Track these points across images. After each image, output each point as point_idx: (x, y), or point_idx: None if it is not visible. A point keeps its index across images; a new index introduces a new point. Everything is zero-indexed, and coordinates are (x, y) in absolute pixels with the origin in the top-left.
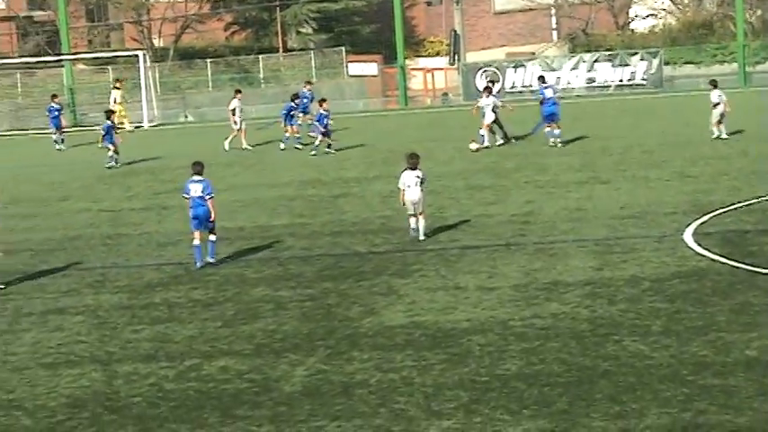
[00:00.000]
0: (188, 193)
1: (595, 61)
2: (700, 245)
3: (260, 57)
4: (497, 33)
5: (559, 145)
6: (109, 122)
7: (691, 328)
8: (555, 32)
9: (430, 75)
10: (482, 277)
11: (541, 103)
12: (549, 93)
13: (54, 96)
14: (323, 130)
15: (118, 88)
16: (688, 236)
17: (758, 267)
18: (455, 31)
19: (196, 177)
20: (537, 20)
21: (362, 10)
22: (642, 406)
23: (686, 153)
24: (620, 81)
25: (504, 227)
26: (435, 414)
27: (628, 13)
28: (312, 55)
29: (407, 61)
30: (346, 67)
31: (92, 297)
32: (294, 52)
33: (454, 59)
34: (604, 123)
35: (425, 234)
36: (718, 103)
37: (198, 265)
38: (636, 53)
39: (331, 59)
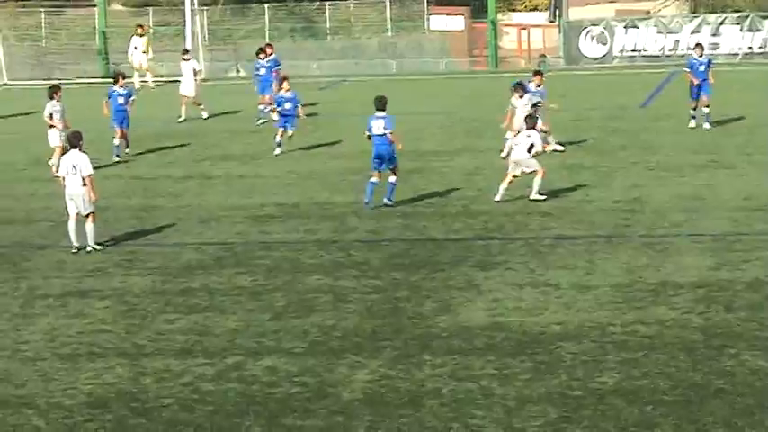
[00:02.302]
0: (370, 131)
1: (721, 24)
2: None
3: (326, 4)
4: None
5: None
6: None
7: None
8: None
9: (525, 32)
10: (578, 274)
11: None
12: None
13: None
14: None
15: (141, 35)
16: None
17: None
18: None
19: (379, 114)
20: None
21: None
22: None
23: None
24: (750, 48)
25: (605, 215)
26: None
27: None
28: (387, 4)
29: (499, 15)
30: (427, 19)
31: (119, 279)
32: (366, 1)
33: (555, 16)
34: (729, 98)
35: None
36: None
37: (367, 201)
38: None
39: (409, 10)
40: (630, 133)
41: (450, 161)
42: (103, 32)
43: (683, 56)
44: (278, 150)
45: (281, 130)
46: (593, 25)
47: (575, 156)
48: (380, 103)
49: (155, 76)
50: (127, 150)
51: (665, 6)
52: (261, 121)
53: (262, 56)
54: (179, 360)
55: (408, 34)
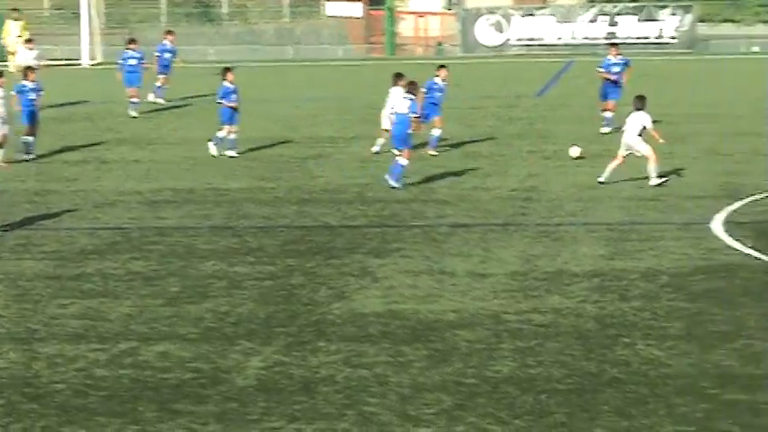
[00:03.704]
0: (393, 108)
1: (618, 14)
2: (730, 236)
3: None
4: None
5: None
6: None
7: (715, 334)
8: None
9: (423, 20)
10: (473, 261)
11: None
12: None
13: None
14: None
15: (16, 20)
16: (717, 224)
17: None
18: None
19: (408, 95)
20: None
21: None
22: (654, 422)
23: (718, 127)
24: (646, 38)
25: (501, 204)
26: (412, 419)
27: None
28: None
29: (397, 2)
30: (325, 5)
31: (13, 263)
32: None
33: (452, 3)
34: (625, 88)
35: None
36: None
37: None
38: (665, 6)
39: None
40: (527, 122)
41: (347, 148)
42: None
43: (579, 45)
44: (221, 151)
45: (228, 126)
46: (491, 13)
47: (471, 144)
48: (410, 86)
49: (49, 60)
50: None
51: None
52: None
53: (132, 46)
54: (72, 345)
55: (306, 20)
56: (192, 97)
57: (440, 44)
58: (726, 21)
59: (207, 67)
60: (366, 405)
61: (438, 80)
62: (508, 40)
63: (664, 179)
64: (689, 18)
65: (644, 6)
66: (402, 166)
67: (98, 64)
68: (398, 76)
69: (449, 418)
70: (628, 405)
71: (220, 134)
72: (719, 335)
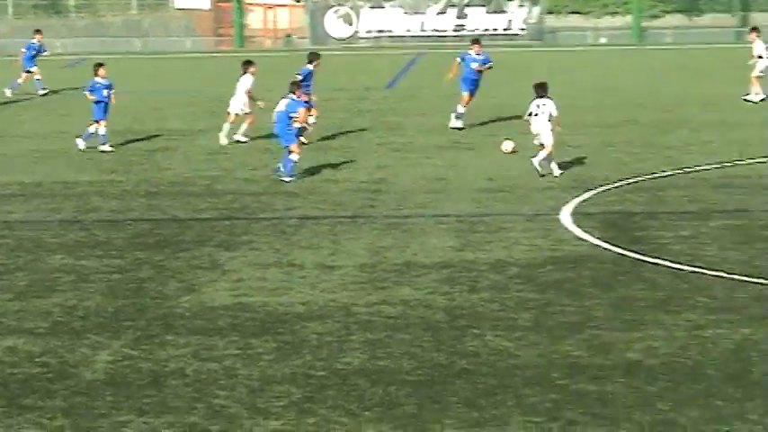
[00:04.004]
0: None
1: (467, 5)
2: (578, 227)
3: None
4: None
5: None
6: None
7: (564, 324)
8: None
9: (272, 12)
10: (323, 254)
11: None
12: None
13: None
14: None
15: None
16: (565, 216)
17: (645, 256)
18: None
19: (290, 95)
20: None
21: None
22: (504, 413)
23: (567, 119)
24: (495, 30)
25: (350, 196)
26: (261, 412)
27: None
28: None
29: None
30: None
31: None
32: None
33: None
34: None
35: None
36: (761, 56)
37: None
38: None
39: None
40: (377, 114)
41: (195, 140)
42: None
43: (428, 37)
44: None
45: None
46: (340, 5)
47: (321, 136)
48: (292, 86)
49: None
50: None
51: None
52: None
53: None
54: None
55: (154, 12)
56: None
57: (289, 36)
58: (574, 12)
59: (55, 60)
60: (215, 398)
61: (310, 66)
62: (357, 32)
63: (540, 172)
64: (537, 10)
65: None
66: (293, 160)
67: None
68: (248, 63)
69: (298, 410)
70: (477, 396)
71: (90, 129)
72: (568, 325)
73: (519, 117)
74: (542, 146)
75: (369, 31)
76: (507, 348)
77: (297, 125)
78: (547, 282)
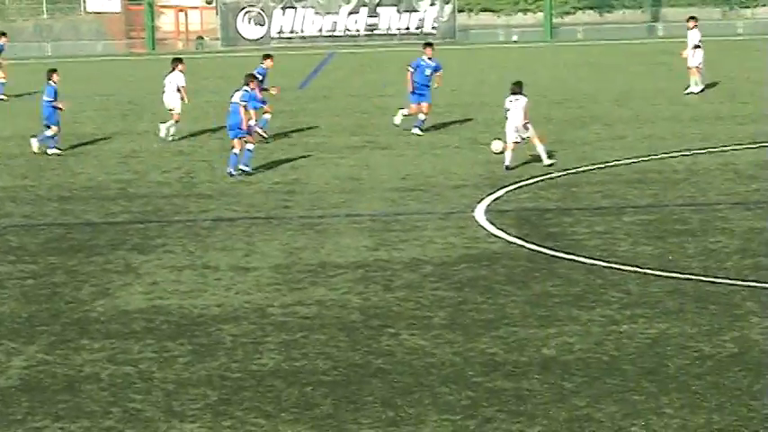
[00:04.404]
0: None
1: (378, 5)
2: (492, 224)
3: None
4: None
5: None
6: None
7: (479, 322)
8: None
9: (183, 14)
10: (237, 255)
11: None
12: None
13: None
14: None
15: None
16: (479, 213)
17: (559, 252)
18: None
19: (245, 86)
20: None
21: None
22: (420, 411)
23: (479, 116)
24: (407, 29)
25: (264, 197)
26: (177, 415)
27: None
28: None
29: None
30: (84, 1)
31: None
32: None
33: None
34: (385, 79)
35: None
36: (698, 46)
37: (229, 171)
38: None
39: None
40: (289, 115)
41: (107, 144)
42: None
43: (340, 37)
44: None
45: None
46: (251, 6)
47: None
48: (246, 78)
49: None
50: None
51: None
52: None
53: None
54: None
55: (65, 16)
56: None
57: (200, 38)
58: (485, 10)
59: None
60: (131, 402)
61: (264, 66)
62: (269, 33)
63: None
64: (449, 8)
65: None
66: (250, 150)
67: None
68: (177, 60)
69: (214, 413)
70: (393, 395)
71: (48, 133)
72: (483, 323)
73: (432, 114)
74: (525, 140)
75: (280, 32)
76: (423, 347)
77: (247, 125)
78: (462, 280)
